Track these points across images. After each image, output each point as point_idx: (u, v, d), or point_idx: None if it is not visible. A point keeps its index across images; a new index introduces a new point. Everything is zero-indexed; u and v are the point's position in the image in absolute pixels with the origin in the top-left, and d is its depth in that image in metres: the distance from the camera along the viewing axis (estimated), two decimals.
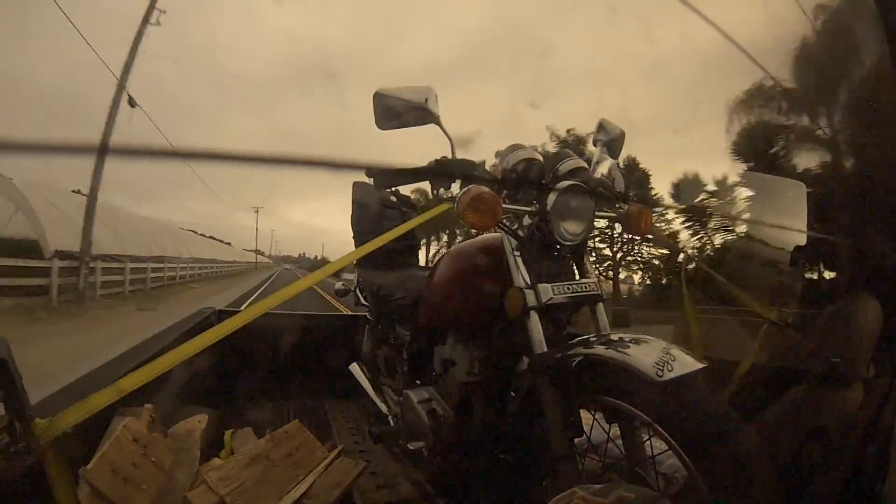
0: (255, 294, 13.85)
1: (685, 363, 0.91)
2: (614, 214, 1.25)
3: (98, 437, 1.15)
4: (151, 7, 11.58)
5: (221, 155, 0.52)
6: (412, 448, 1.49)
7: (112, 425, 1.20)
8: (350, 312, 2.95)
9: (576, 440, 1.07)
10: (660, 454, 1.01)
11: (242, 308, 1.47)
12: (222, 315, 2.34)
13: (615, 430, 1.12)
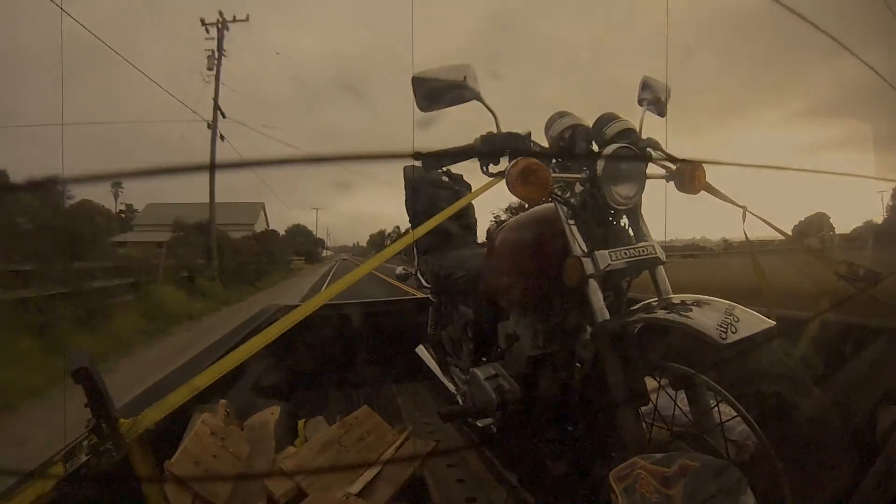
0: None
1: (750, 324, 0.87)
2: (666, 174, 1.18)
3: (180, 434, 1.23)
4: None
5: (272, 161, 0.53)
6: (481, 426, 1.49)
7: (192, 422, 1.27)
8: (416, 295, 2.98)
9: (642, 409, 1.03)
10: (728, 420, 0.96)
11: (301, 303, 1.55)
12: (286, 310, 2.43)
13: (683, 396, 1.07)
